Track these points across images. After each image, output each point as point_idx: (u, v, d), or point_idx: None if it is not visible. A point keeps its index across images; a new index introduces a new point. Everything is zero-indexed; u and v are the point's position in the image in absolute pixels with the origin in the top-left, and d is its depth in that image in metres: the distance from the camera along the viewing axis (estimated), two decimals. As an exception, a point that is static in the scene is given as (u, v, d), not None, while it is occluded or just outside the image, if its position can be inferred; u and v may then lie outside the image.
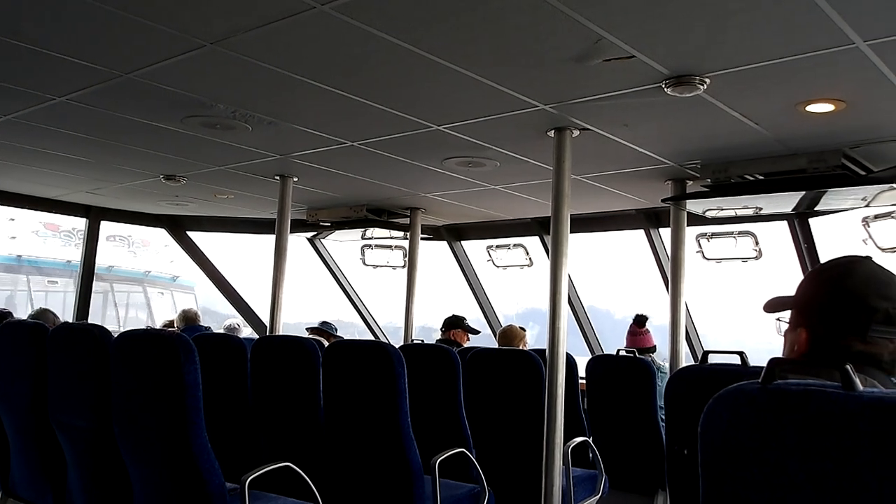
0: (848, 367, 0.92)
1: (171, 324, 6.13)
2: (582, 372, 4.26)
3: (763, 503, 0.98)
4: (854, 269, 1.34)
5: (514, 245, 6.41)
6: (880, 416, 0.87)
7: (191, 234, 7.28)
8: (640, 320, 4.78)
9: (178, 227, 7.18)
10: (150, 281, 13.70)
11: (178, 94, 3.14)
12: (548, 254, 3.89)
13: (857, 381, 0.91)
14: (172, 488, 2.56)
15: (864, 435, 0.88)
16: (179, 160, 4.50)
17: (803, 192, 3.73)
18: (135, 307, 13.80)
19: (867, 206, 3.95)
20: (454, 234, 6.71)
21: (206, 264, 7.42)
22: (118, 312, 13.25)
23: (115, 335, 2.84)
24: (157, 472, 2.62)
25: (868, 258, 1.38)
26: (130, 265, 13.31)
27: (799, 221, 4.78)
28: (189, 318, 5.89)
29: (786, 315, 1.46)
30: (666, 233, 4.84)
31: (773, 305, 1.50)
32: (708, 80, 2.66)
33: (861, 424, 0.88)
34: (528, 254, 6.39)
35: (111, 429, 2.76)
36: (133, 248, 13.23)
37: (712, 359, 2.41)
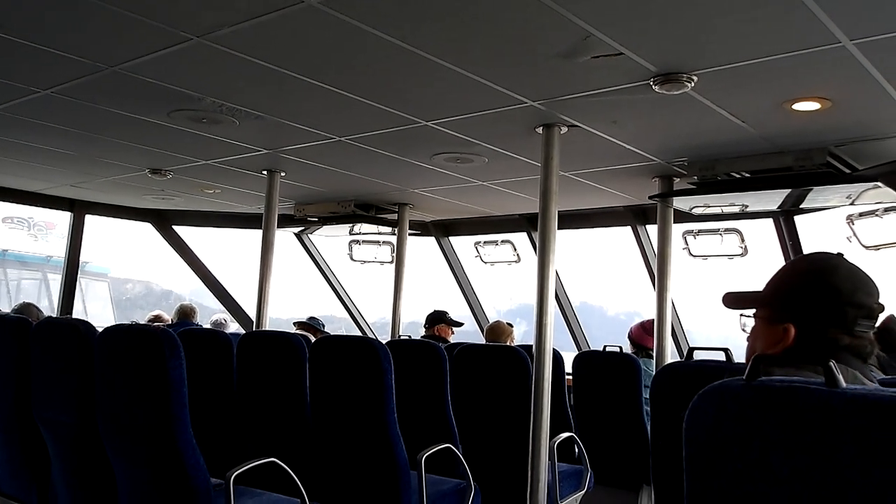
0: (831, 363, 0.92)
1: (157, 318, 6.09)
2: (568, 368, 4.28)
3: (747, 498, 0.99)
4: (839, 267, 1.39)
5: (502, 241, 6.41)
6: (863, 412, 0.88)
7: (177, 228, 7.24)
8: None
9: (164, 221, 7.13)
10: (51, 267, 11.85)
11: (164, 87, 3.12)
12: (535, 250, 3.90)
13: (841, 377, 0.92)
14: (157, 484, 2.55)
15: (847, 431, 0.89)
16: (165, 154, 4.47)
17: (789, 190, 3.76)
18: (34, 296, 12.11)
19: (852, 203, 3.98)
20: (442, 229, 6.71)
21: (192, 259, 7.38)
22: (11, 301, 11.33)
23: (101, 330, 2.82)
24: (142, 467, 2.60)
25: (840, 255, 1.43)
26: (30, 249, 11.70)
27: (784, 219, 4.82)
28: (184, 313, 5.88)
29: (749, 311, 1.50)
30: (653, 229, 4.87)
31: (737, 301, 1.54)
32: (695, 78, 2.67)
33: (844, 421, 0.89)
34: (515, 250, 6.40)
35: (95, 424, 2.74)
36: (34, 231, 11.70)
37: (698, 355, 2.43)
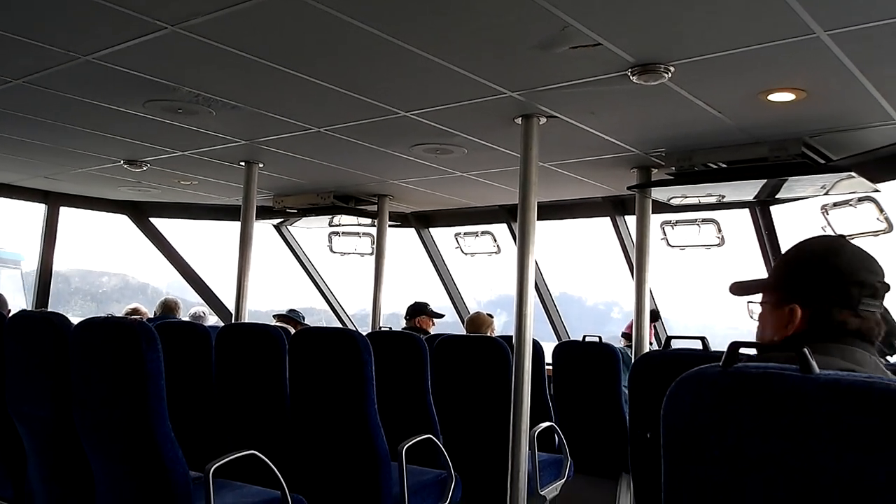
0: (805, 349, 0.94)
1: (134, 311, 6.03)
2: (549, 358, 4.30)
3: (724, 483, 1.00)
4: (843, 247, 1.40)
5: (482, 232, 6.42)
6: (836, 397, 0.89)
7: (154, 220, 7.17)
8: (653, 315, 4.88)
9: (141, 213, 7.06)
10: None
11: (139, 77, 3.08)
12: (515, 241, 3.92)
13: (814, 363, 0.93)
14: (135, 477, 2.53)
15: (820, 416, 0.90)
16: (141, 145, 4.42)
17: (765, 181, 3.79)
18: None
19: (826, 194, 4.03)
20: (422, 221, 6.70)
21: (170, 251, 7.31)
22: None
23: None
24: (120, 461, 2.58)
25: (842, 237, 1.44)
26: None
27: (760, 209, 4.87)
28: (168, 308, 5.83)
29: (756, 297, 1.50)
30: (631, 220, 4.90)
31: (743, 288, 1.53)
32: (672, 69, 2.68)
33: (817, 406, 0.90)
34: (495, 241, 6.41)
35: (72, 419, 2.71)
36: None
37: (675, 344, 2.45)
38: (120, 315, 5.64)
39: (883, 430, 0.84)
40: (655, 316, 4.94)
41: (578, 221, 5.94)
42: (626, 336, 4.99)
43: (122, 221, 7.05)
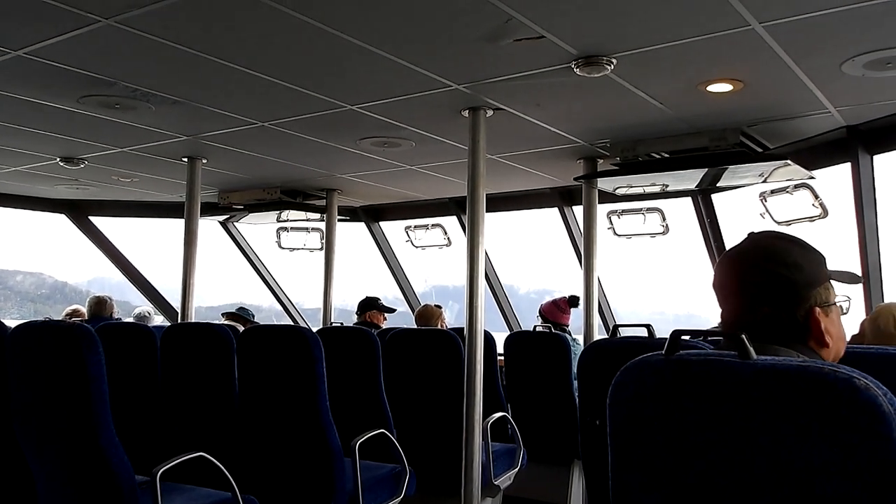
0: (743, 336, 0.96)
1: (74, 313, 5.84)
2: (500, 348, 4.33)
3: (668, 468, 1.02)
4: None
5: (433, 225, 6.42)
6: (772, 382, 0.92)
7: (94, 219, 6.95)
8: (574, 301, 4.93)
9: (80, 212, 6.83)
10: None
11: (73, 72, 2.97)
12: (465, 233, 3.93)
13: (752, 350, 0.96)
14: (79, 483, 2.46)
15: (758, 400, 0.92)
16: (77, 142, 4.27)
17: (706, 170, 3.89)
18: None
19: (764, 181, 4.15)
20: (372, 215, 6.67)
21: (111, 251, 7.10)
22: None
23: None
24: (63, 467, 2.50)
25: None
26: None
27: (702, 198, 4.98)
28: (96, 306, 5.54)
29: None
30: (579, 210, 4.96)
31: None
32: (615, 61, 2.72)
33: (755, 391, 0.93)
34: (446, 234, 6.41)
35: (11, 425, 2.61)
36: None
37: (622, 332, 2.50)
38: (59, 318, 5.46)
39: (815, 412, 0.87)
40: (576, 302, 5.01)
41: (519, 213, 5.99)
42: (544, 317, 5.01)
43: (38, 218, 6.75)
